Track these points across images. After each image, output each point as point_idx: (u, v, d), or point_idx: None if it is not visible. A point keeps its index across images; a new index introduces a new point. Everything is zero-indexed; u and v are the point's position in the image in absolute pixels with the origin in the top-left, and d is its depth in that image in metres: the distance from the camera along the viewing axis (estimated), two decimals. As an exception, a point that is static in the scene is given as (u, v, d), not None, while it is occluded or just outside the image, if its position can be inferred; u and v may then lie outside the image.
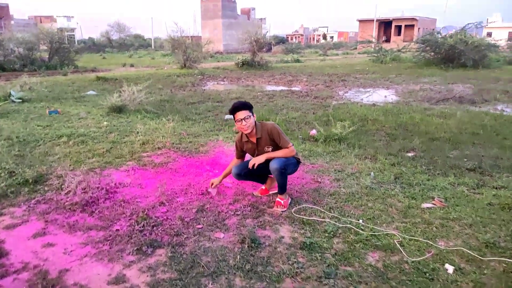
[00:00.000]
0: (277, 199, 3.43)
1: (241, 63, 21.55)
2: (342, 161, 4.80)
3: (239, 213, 3.31)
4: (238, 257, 2.61)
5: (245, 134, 3.45)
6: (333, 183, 4.00)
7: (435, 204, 3.41)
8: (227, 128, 6.79)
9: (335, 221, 3.11)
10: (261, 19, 53.94)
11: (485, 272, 2.44)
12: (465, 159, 4.97)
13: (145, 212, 3.26)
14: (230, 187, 3.92)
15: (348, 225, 3.02)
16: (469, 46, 19.49)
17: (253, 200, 3.58)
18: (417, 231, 2.96)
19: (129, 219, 3.19)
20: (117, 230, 3.03)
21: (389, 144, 5.73)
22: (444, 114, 8.09)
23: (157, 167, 4.50)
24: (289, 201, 3.47)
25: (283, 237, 2.91)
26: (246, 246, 2.72)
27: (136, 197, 3.66)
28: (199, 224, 3.13)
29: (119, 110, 7.96)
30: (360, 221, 3.11)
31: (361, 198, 3.59)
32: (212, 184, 3.72)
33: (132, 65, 24.02)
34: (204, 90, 13.22)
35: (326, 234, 2.91)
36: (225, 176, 3.74)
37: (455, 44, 19.24)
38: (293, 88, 13.45)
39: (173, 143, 5.51)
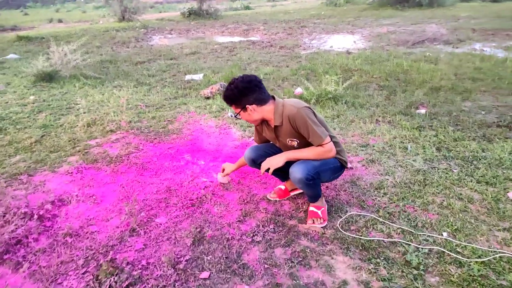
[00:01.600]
0: (311, 208, 2.29)
1: (188, 13, 19.45)
2: (356, 129, 3.74)
3: (259, 238, 2.13)
4: None
5: None
6: (369, 168, 2.91)
7: (526, 192, 2.46)
8: (194, 93, 5.42)
9: (410, 239, 2.06)
10: (201, -37, 49.48)
11: None
12: (483, 112, 4.23)
13: (109, 258, 1.99)
14: (226, 183, 2.72)
15: (435, 247, 1.98)
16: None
17: (272, 210, 2.42)
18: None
19: (83, 273, 1.92)
20: (66, 299, 1.77)
21: (391, 100, 4.82)
22: (430, 59, 7.33)
23: (114, 164, 3.14)
24: (326, 208, 2.34)
25: (345, 282, 1.81)
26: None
27: (90, 223, 2.36)
28: (203, 270, 1.93)
29: (49, 78, 6.20)
30: (444, 234, 2.08)
31: (422, 191, 2.54)
32: (224, 170, 2.67)
33: (60, 21, 20.82)
34: (152, 45, 11.39)
35: (411, 269, 1.85)
36: (241, 165, 2.60)
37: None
38: (251, 38, 12.03)
39: (130, 122, 4.10)
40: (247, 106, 2.14)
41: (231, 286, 1.80)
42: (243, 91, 2.10)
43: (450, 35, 10.07)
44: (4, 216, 2.28)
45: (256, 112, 2.16)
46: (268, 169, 2.16)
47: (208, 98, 5.19)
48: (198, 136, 3.69)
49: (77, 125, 4.02)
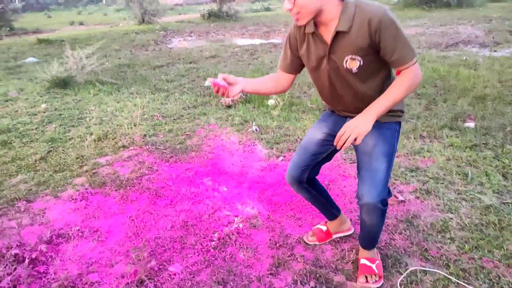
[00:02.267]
0: (362, 261, 1.80)
1: (208, 15, 19.20)
2: (399, 148, 3.25)
3: (298, 300, 1.69)
4: None
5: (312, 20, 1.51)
6: (425, 202, 2.41)
7: None
8: (214, 101, 5.01)
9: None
10: (221, -35, 49.42)
11: None
12: None
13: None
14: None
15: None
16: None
17: (311, 258, 1.95)
18: None
19: None
20: None
21: (432, 111, 4.33)
22: (468, 64, 6.76)
23: (124, 189, 2.74)
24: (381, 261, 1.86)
25: None
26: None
27: (91, 269, 1.95)
28: None
29: (63, 84, 5.91)
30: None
31: (499, 237, 2.02)
32: (225, 79, 1.62)
33: (81, 23, 20.90)
34: (171, 48, 11.11)
35: None
36: (254, 91, 1.73)
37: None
38: (272, 41, 11.62)
39: (144, 135, 3.71)
40: None
41: None
42: None
43: (485, 37, 9.47)
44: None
45: None
46: (343, 144, 1.46)
47: (229, 106, 4.77)
48: (219, 154, 3.26)
49: (87, 139, 3.65)
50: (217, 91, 1.57)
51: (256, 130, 3.75)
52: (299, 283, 1.78)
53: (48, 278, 1.88)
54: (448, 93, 4.91)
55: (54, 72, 5.82)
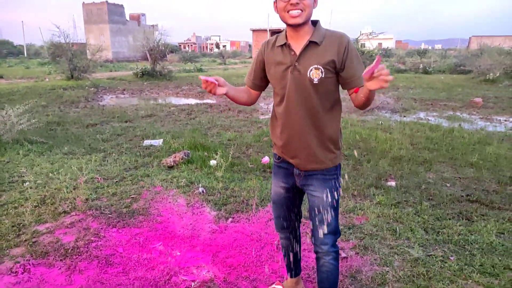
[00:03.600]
0: None
1: (141, 73, 19.39)
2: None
3: None
4: None
5: (285, 33, 1.76)
6: (364, 257, 2.68)
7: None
8: (156, 162, 5.04)
9: None
10: (153, 25, 50.71)
11: None
12: (448, 184, 4.35)
13: None
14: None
15: None
16: (366, 55, 20.48)
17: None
18: None
19: None
20: None
21: (359, 171, 4.84)
22: (384, 127, 7.70)
23: (70, 257, 2.63)
24: None
25: None
26: None
27: None
28: None
29: (-13, 144, 5.53)
30: None
31: (429, 287, 2.33)
32: (217, 81, 1.71)
33: (1, 77, 19.70)
34: (104, 106, 10.94)
35: None
36: (233, 97, 1.91)
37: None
38: (207, 101, 12.06)
39: (87, 199, 3.61)
40: None
41: None
42: None
43: (395, 104, 10.79)
44: None
45: (314, 7, 1.71)
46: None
47: (171, 167, 4.84)
48: (168, 217, 3.29)
49: (22, 205, 3.45)
50: (206, 87, 1.68)
51: (203, 192, 3.86)
52: None
53: None
54: (371, 154, 5.52)
55: (-23, 132, 5.45)
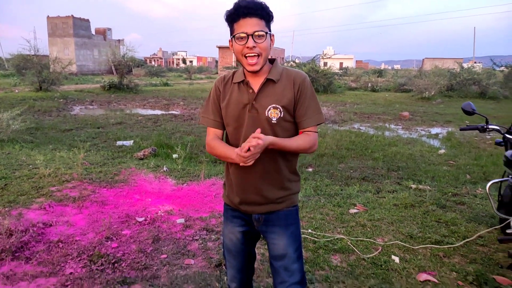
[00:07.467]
0: None
1: (108, 86, 20.47)
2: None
3: (197, 237, 3.30)
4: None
5: (243, 70, 1.73)
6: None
7: (359, 209, 4.04)
8: (129, 155, 6.47)
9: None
10: (118, 40, 51.61)
11: (419, 257, 3.06)
12: (351, 170, 6.00)
13: (96, 250, 2.97)
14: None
15: (303, 235, 3.35)
16: (320, 74, 22.64)
17: (203, 224, 3.60)
18: (358, 232, 3.48)
19: (79, 259, 2.86)
20: (71, 273, 2.70)
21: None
22: (320, 134, 9.39)
23: (78, 202, 4.06)
24: None
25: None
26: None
27: (72, 236, 3.27)
28: (162, 254, 3.01)
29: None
30: (309, 230, 3.48)
31: (300, 210, 3.97)
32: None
33: (-33, 87, 20.12)
34: (76, 115, 12.12)
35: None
36: (225, 155, 1.70)
37: (309, 72, 22.09)
38: (173, 112, 13.46)
39: (81, 174, 5.01)
40: (271, 32, 1.68)
41: (182, 261, 2.91)
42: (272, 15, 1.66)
43: (336, 116, 12.63)
44: (8, 231, 3.09)
45: (269, 43, 1.65)
46: (249, 150, 1.49)
47: (141, 159, 6.29)
48: (142, 183, 4.77)
49: (33, 177, 4.80)
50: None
51: (167, 170, 5.36)
52: (198, 231, 3.40)
53: (47, 241, 3.15)
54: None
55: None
